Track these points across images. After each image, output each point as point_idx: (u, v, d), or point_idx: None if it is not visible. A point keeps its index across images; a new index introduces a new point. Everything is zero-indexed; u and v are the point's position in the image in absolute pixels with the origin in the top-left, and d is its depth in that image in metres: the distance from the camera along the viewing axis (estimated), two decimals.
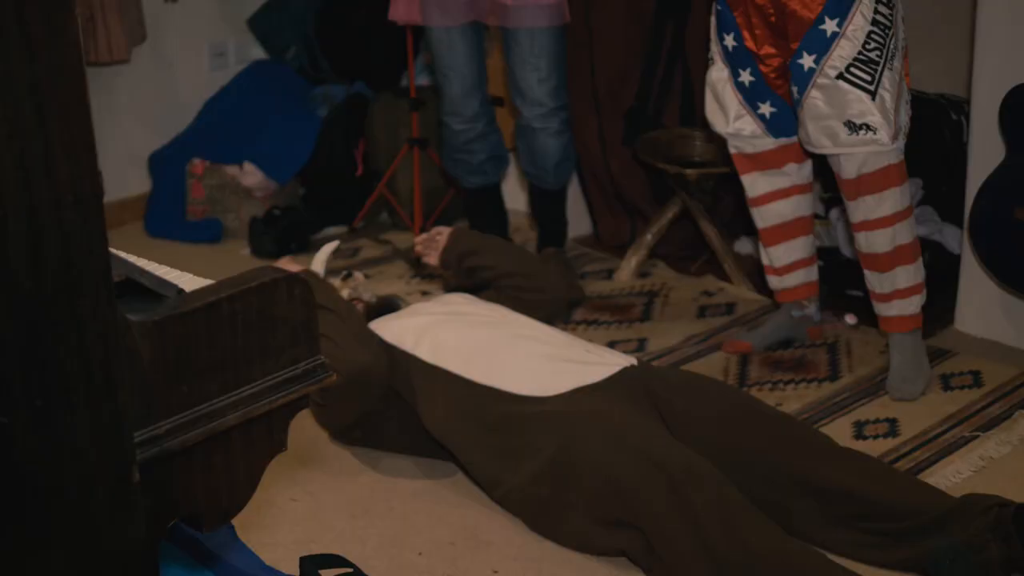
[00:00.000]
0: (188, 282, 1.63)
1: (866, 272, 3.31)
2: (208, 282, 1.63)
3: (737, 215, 4.28)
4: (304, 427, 3.09)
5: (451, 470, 2.98)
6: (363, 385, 2.82)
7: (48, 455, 1.28)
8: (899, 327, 3.32)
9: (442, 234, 3.49)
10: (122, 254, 1.68)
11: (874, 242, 3.24)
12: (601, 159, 4.37)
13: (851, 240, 3.45)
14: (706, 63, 3.41)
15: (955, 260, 3.70)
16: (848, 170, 3.17)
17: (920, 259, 3.29)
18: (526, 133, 3.96)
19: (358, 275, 3.37)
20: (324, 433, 3.14)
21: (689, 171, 3.99)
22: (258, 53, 5.29)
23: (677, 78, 4.28)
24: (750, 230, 4.16)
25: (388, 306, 3.29)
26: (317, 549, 2.64)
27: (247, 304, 1.52)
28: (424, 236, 3.53)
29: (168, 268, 1.70)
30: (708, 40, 3.39)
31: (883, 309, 3.33)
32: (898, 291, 3.27)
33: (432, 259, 3.48)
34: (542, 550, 2.67)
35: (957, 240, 3.73)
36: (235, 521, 1.74)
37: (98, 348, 1.31)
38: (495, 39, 4.32)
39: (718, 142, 4.04)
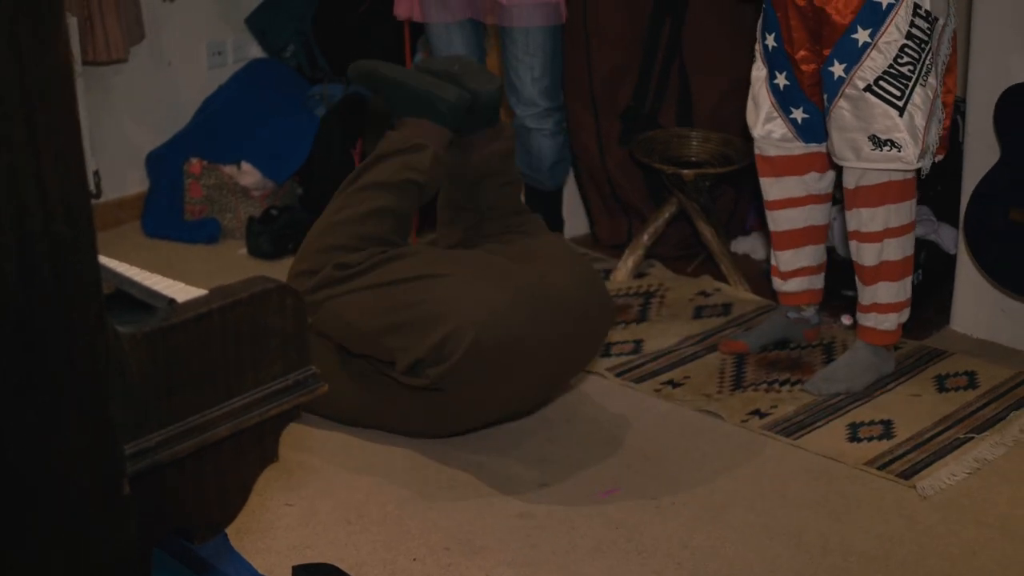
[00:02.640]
0: (180, 292, 1.63)
1: (855, 277, 3.33)
2: (200, 292, 1.63)
3: (734, 215, 4.29)
4: (300, 431, 3.09)
5: (445, 473, 2.99)
6: None
7: (38, 468, 1.29)
8: (871, 339, 3.34)
9: None
10: (113, 263, 1.68)
11: (862, 253, 3.25)
12: (598, 159, 4.37)
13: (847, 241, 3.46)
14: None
15: (951, 260, 3.70)
16: (848, 179, 3.18)
17: (908, 279, 3.29)
18: (521, 133, 3.96)
19: None
20: (319, 438, 3.13)
21: (686, 171, 3.98)
22: (256, 52, 5.28)
23: (674, 77, 4.27)
24: (746, 231, 4.18)
25: None
26: (311, 555, 2.64)
27: (238, 315, 1.53)
28: None
29: (160, 277, 1.70)
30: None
31: (861, 318, 3.37)
32: (877, 305, 3.29)
33: None
34: (536, 556, 2.67)
35: (953, 240, 3.74)
36: (229, 527, 1.74)
37: (88, 361, 1.32)
38: (494, 38, 4.32)
39: (715, 141, 4.05)
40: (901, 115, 3.05)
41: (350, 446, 3.13)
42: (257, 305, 1.55)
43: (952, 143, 3.76)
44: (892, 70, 3.03)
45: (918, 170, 3.16)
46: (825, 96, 3.13)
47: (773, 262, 3.54)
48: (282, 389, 1.57)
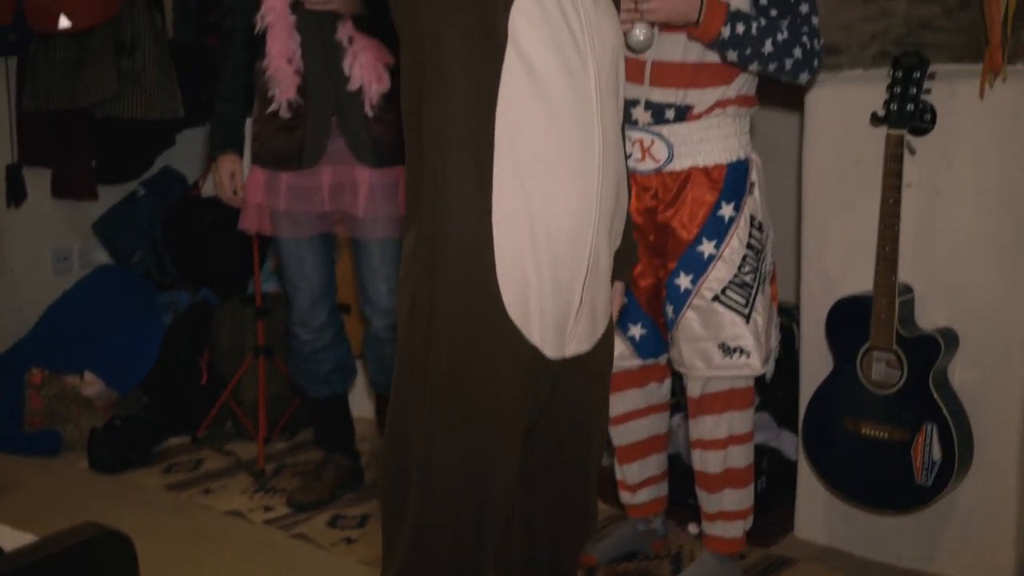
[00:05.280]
0: (6, 538, 1.59)
1: (696, 487, 3.37)
2: (29, 537, 1.59)
3: None
4: None
5: None
6: None
7: None
8: (717, 547, 3.37)
9: None
10: None
11: (707, 461, 3.30)
12: None
13: None
14: None
15: (793, 467, 3.77)
16: (693, 388, 3.25)
17: (751, 485, 3.35)
18: (375, 343, 3.94)
19: None
20: None
21: None
22: (103, 257, 5.26)
23: None
24: None
25: None
26: None
27: (67, 564, 1.49)
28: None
29: None
30: None
31: (707, 526, 3.39)
32: (723, 513, 3.33)
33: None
34: None
35: (794, 447, 3.82)
36: None
37: None
38: (343, 246, 4.35)
39: None
40: (747, 322, 3.14)
41: None
42: (87, 553, 1.51)
43: (789, 351, 3.88)
44: (736, 280, 3.14)
45: (762, 376, 3.25)
46: (670, 308, 3.21)
47: (619, 476, 3.56)
48: None
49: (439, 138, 2.08)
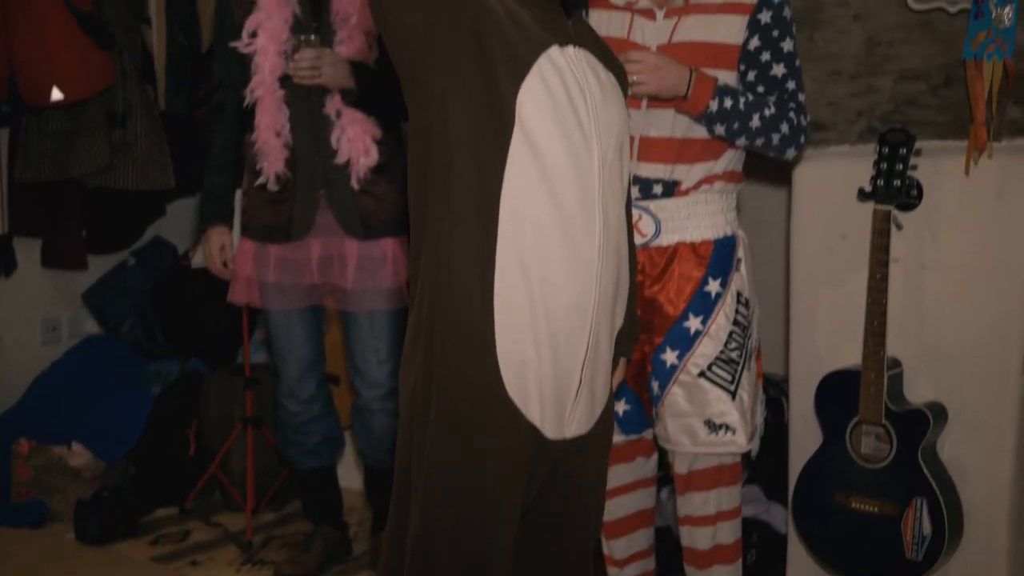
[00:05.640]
0: None
1: (685, 563, 3.35)
2: None
3: None
4: None
5: None
6: None
7: None
8: None
9: None
10: None
11: (695, 538, 3.28)
12: None
13: None
14: None
15: (783, 540, 3.75)
16: (680, 464, 3.23)
17: (740, 560, 3.33)
18: (364, 414, 3.92)
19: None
20: None
21: None
22: (92, 327, 5.25)
23: None
24: None
25: None
26: None
27: None
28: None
29: None
30: None
31: None
32: None
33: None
34: None
35: (784, 519, 3.80)
36: None
37: None
38: (333, 318, 4.35)
39: None
40: (733, 399, 3.13)
41: None
42: None
43: (778, 424, 3.88)
44: (723, 356, 3.13)
45: (748, 452, 3.24)
46: (656, 383, 3.20)
47: (606, 551, 3.53)
48: None
49: (443, 212, 2.10)
